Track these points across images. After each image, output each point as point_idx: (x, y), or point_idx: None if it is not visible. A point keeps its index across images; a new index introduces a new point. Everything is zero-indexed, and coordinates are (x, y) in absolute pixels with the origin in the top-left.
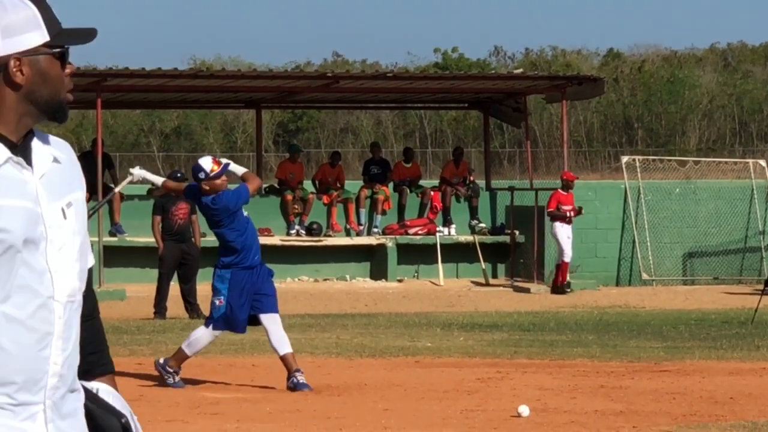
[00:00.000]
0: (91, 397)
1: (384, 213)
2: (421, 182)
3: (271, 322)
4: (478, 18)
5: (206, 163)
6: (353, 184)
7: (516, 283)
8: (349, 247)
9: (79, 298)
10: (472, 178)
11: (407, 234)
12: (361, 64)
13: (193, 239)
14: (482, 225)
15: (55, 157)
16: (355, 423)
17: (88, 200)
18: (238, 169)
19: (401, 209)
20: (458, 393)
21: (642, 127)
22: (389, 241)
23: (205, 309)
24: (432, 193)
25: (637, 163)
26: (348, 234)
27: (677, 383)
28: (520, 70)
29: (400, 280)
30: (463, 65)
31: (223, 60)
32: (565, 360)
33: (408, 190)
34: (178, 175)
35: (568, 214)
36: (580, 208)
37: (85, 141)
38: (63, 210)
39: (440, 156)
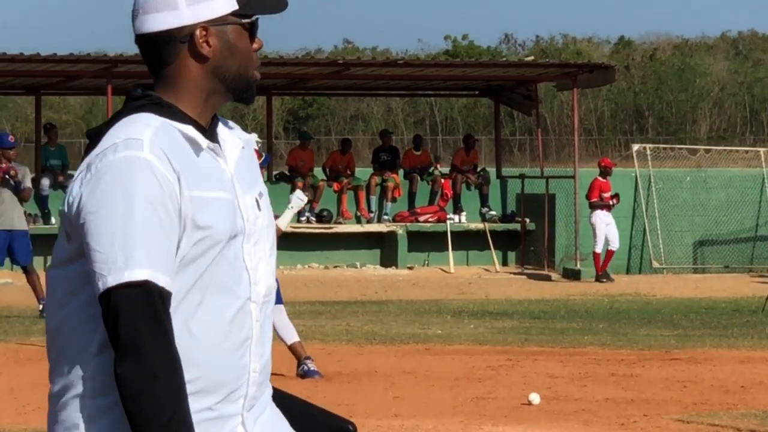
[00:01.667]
0: (303, 402)
1: (394, 200)
2: (432, 169)
3: (276, 312)
4: (489, 5)
5: None
6: (363, 172)
7: (533, 271)
8: (359, 234)
9: (273, 298)
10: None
11: (417, 221)
12: (372, 51)
13: None
14: (493, 213)
15: (242, 143)
16: (365, 410)
17: None
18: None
19: (412, 197)
20: (469, 380)
21: (653, 115)
22: (399, 229)
23: None
24: (442, 180)
25: (648, 152)
26: (358, 221)
27: (688, 371)
28: (531, 58)
29: (410, 268)
30: (473, 53)
31: None
32: (576, 348)
33: (419, 178)
34: None
35: (611, 202)
36: (617, 195)
37: None
38: (257, 201)
39: (450, 144)
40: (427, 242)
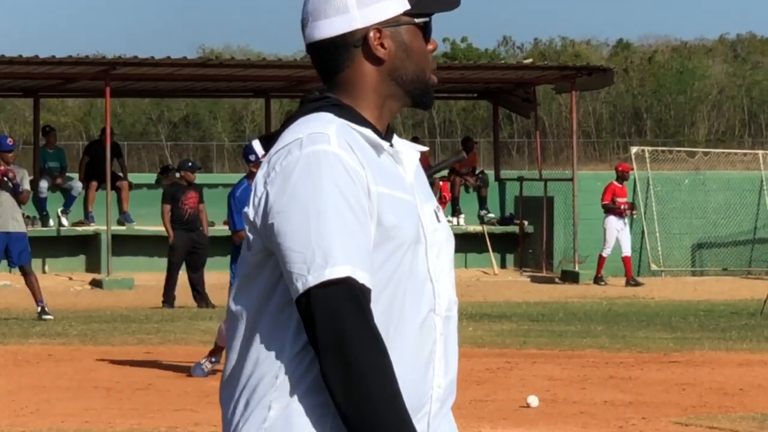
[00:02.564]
0: None
1: None
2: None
3: None
4: (488, 8)
5: (259, 146)
6: None
7: (532, 273)
8: None
9: (455, 313)
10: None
11: None
12: None
13: (201, 228)
14: (491, 215)
15: (418, 153)
16: None
17: (97, 189)
18: None
19: None
20: (467, 383)
21: (651, 117)
22: None
23: (212, 298)
24: (441, 183)
25: (647, 154)
26: None
27: (686, 374)
28: (530, 61)
29: None
30: (471, 55)
31: (233, 49)
32: (575, 350)
33: None
34: (189, 164)
35: (622, 207)
36: (633, 205)
37: (94, 130)
38: (435, 212)
39: (449, 146)
40: None
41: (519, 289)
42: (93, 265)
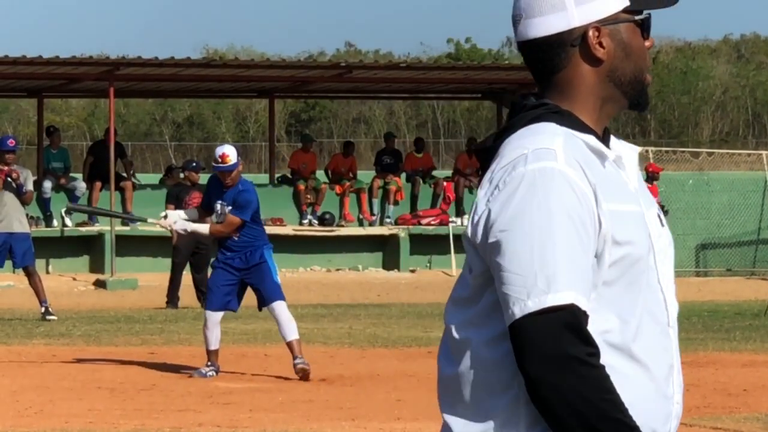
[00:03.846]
0: None
1: (396, 203)
2: (434, 172)
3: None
4: (492, 8)
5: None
6: (365, 174)
7: None
8: (361, 237)
9: (676, 323)
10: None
11: (420, 224)
12: (374, 54)
13: None
14: None
15: (636, 158)
16: (367, 413)
17: (100, 189)
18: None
19: (414, 200)
20: None
21: (655, 118)
22: (402, 232)
23: None
24: (445, 183)
25: (651, 155)
26: (360, 224)
27: (690, 375)
28: None
29: (412, 271)
30: (475, 56)
31: (236, 49)
32: None
33: (421, 181)
34: (194, 164)
35: None
36: (664, 209)
37: (98, 130)
38: (659, 217)
39: (453, 147)
40: (430, 245)
41: None
42: (97, 266)
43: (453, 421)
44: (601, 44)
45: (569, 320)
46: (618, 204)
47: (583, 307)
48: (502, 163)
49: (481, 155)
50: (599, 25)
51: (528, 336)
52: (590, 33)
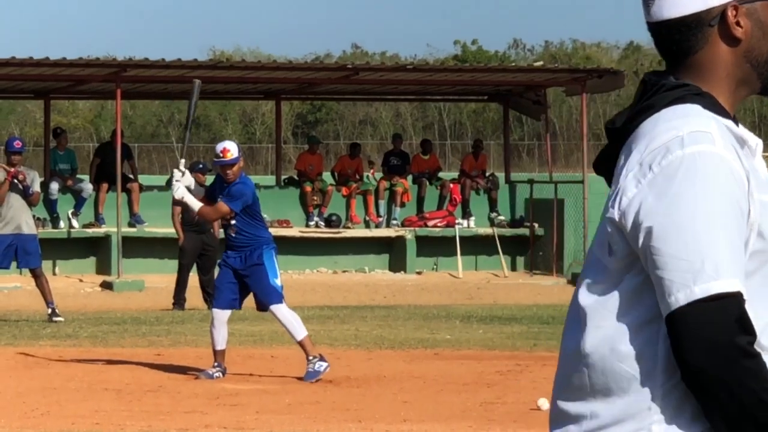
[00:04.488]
0: None
1: (403, 205)
2: (441, 174)
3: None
4: (498, 10)
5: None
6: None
7: (546, 276)
8: (368, 239)
9: None
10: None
11: (426, 226)
12: (381, 56)
13: (212, 230)
14: (501, 217)
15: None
16: (374, 415)
17: (107, 191)
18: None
19: (420, 201)
20: (478, 385)
21: None
22: (408, 233)
23: None
24: (451, 185)
25: None
26: (367, 226)
27: None
28: (540, 63)
29: (419, 273)
30: (482, 57)
31: (243, 51)
32: None
33: (427, 183)
34: (200, 166)
35: None
36: None
37: (104, 131)
38: None
39: (459, 148)
40: (436, 247)
41: (529, 291)
42: (103, 267)
43: (576, 408)
44: (738, 23)
45: (736, 308)
46: (764, 194)
47: (746, 296)
48: (653, 145)
49: (611, 134)
50: (737, 3)
51: (693, 324)
52: (729, 12)
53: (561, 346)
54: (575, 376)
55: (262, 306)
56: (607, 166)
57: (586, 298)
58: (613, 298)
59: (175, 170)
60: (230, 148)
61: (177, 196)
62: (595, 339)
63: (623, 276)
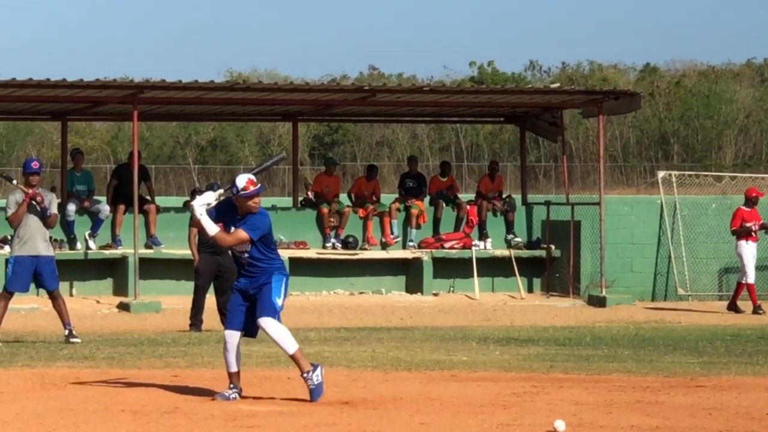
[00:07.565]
0: None
1: (419, 227)
2: (458, 196)
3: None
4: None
5: (241, 180)
6: (389, 198)
7: (563, 298)
8: (384, 260)
9: None
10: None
11: (443, 248)
12: (398, 77)
13: (228, 252)
14: (518, 239)
15: None
16: None
17: (124, 212)
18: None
19: (437, 223)
20: (494, 407)
21: (678, 142)
22: (425, 255)
23: None
24: (468, 207)
25: (674, 178)
26: (383, 247)
27: (713, 399)
28: (557, 85)
29: (435, 294)
30: (498, 79)
31: (260, 73)
32: (601, 375)
33: (444, 204)
34: (216, 187)
35: (752, 227)
36: (763, 224)
37: (121, 153)
38: None
39: (476, 170)
40: (453, 269)
41: (546, 313)
42: (120, 289)
43: None
44: None
45: None
46: None
47: None
48: None
49: None
50: None
51: None
52: None
53: None
54: None
55: (252, 329)
56: None
57: None
58: None
59: (209, 191)
60: (253, 179)
61: (196, 215)
62: None
63: None
